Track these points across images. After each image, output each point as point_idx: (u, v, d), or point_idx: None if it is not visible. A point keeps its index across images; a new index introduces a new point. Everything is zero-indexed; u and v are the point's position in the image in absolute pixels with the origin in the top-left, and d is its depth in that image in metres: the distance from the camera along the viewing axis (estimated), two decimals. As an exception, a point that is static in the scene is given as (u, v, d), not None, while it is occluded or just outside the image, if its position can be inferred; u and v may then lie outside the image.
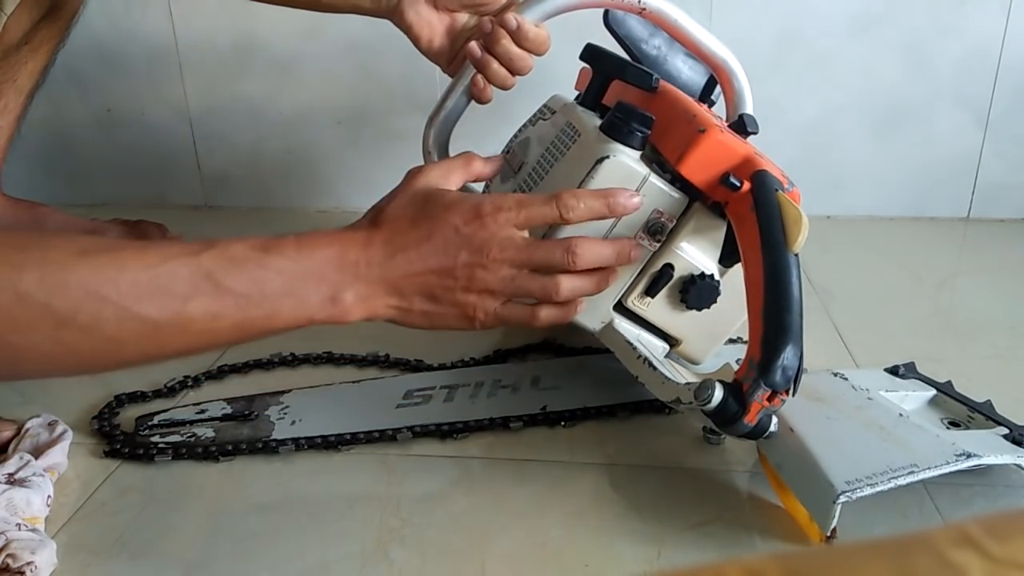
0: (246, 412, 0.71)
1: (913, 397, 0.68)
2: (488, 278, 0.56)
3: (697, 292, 0.65)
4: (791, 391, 0.54)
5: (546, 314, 0.59)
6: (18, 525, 0.55)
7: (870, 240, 1.14)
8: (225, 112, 1.22)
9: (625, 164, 0.62)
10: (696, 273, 0.65)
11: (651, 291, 0.65)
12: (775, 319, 0.53)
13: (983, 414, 0.65)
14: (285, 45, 1.18)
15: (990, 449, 0.57)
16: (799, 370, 0.53)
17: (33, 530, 0.56)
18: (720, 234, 0.64)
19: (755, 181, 0.60)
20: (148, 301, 0.47)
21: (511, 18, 0.72)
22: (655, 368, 0.62)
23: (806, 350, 0.53)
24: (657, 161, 0.65)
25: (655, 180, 0.63)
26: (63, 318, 0.44)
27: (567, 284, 0.59)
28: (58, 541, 0.56)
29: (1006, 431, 0.62)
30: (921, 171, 1.18)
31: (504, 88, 0.76)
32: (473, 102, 0.78)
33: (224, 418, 0.71)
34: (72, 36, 0.96)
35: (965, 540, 0.23)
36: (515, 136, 0.78)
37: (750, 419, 0.54)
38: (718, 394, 0.54)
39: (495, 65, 0.74)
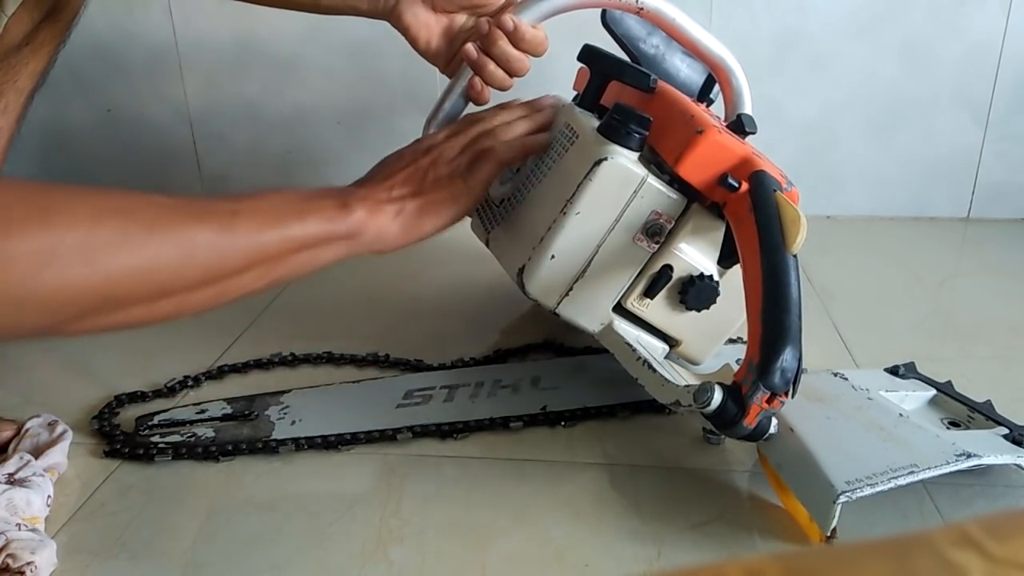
0: (246, 412, 0.71)
1: (913, 397, 0.68)
2: (444, 151, 0.65)
3: (696, 293, 0.65)
4: (790, 393, 0.54)
5: (503, 150, 0.64)
6: (18, 525, 0.55)
7: (870, 240, 1.14)
8: (225, 112, 1.22)
9: (623, 166, 0.62)
10: (695, 274, 0.65)
11: (650, 292, 0.65)
12: (774, 321, 0.53)
13: (983, 414, 0.65)
14: (285, 45, 1.18)
15: (990, 449, 0.57)
16: (798, 372, 0.53)
17: (33, 530, 0.56)
18: (719, 235, 0.64)
19: (753, 182, 0.60)
20: (206, 216, 0.49)
21: (508, 19, 0.72)
22: (654, 370, 0.62)
23: (806, 350, 0.53)
24: (655, 162, 0.65)
25: (653, 181, 0.63)
26: (140, 239, 0.45)
27: (508, 122, 0.67)
28: (58, 541, 0.56)
29: (1006, 431, 0.62)
30: (921, 171, 1.18)
31: (502, 89, 0.76)
32: (471, 103, 0.78)
33: (224, 418, 0.71)
34: (72, 36, 0.96)
35: (965, 540, 0.23)
36: (514, 136, 0.78)
37: (749, 421, 0.54)
38: (717, 397, 0.54)
39: (492, 67, 0.74)
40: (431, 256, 1.08)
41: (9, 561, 0.52)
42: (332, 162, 1.24)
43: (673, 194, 0.63)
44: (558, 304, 0.66)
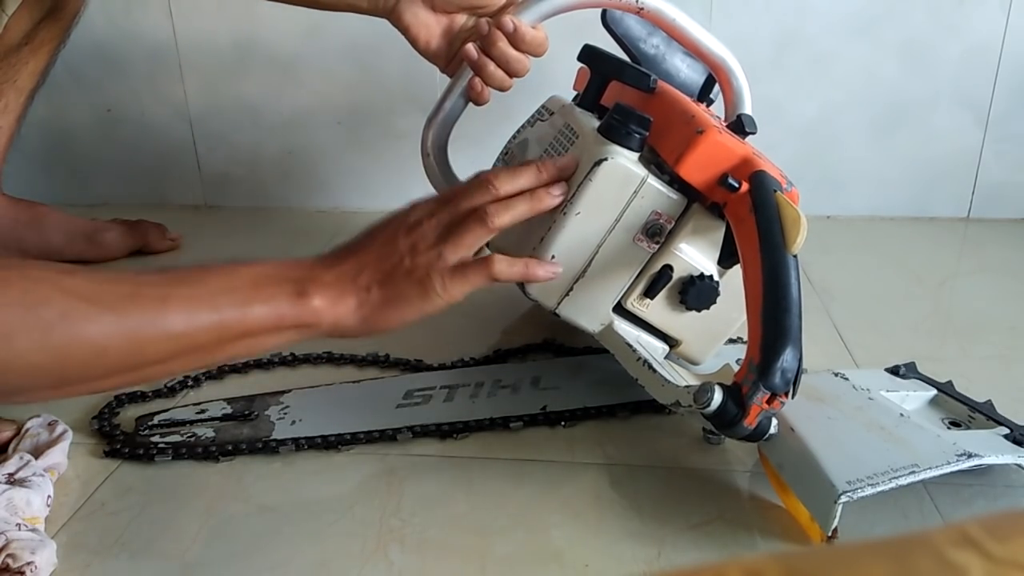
0: (246, 412, 0.71)
1: (914, 397, 0.68)
2: (425, 234, 0.58)
3: (696, 293, 0.65)
4: (790, 393, 0.54)
5: (500, 267, 0.59)
6: (18, 525, 0.55)
7: (870, 240, 1.14)
8: (225, 112, 1.22)
9: (623, 166, 0.62)
10: (695, 274, 0.65)
11: (650, 292, 0.65)
12: (774, 321, 0.53)
13: (984, 414, 0.65)
14: (285, 45, 1.18)
15: (991, 449, 0.57)
16: (798, 372, 0.53)
17: (33, 530, 0.56)
18: (719, 235, 0.64)
19: (753, 182, 0.60)
20: (129, 303, 0.48)
21: (508, 20, 0.72)
22: (654, 370, 0.62)
23: (806, 350, 0.53)
24: (655, 162, 0.65)
25: (653, 182, 0.63)
26: (49, 323, 0.45)
27: (495, 209, 0.59)
28: (58, 541, 0.56)
29: (1007, 431, 0.62)
30: (921, 171, 1.18)
31: (501, 90, 0.76)
32: (471, 103, 0.78)
33: (224, 418, 0.71)
34: (72, 36, 0.96)
35: (965, 540, 0.23)
36: (513, 137, 0.78)
37: (749, 422, 0.54)
38: (717, 397, 0.54)
39: (492, 67, 0.74)
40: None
41: (9, 561, 0.52)
42: (332, 162, 1.24)
43: (673, 194, 0.63)
44: (558, 304, 0.67)
